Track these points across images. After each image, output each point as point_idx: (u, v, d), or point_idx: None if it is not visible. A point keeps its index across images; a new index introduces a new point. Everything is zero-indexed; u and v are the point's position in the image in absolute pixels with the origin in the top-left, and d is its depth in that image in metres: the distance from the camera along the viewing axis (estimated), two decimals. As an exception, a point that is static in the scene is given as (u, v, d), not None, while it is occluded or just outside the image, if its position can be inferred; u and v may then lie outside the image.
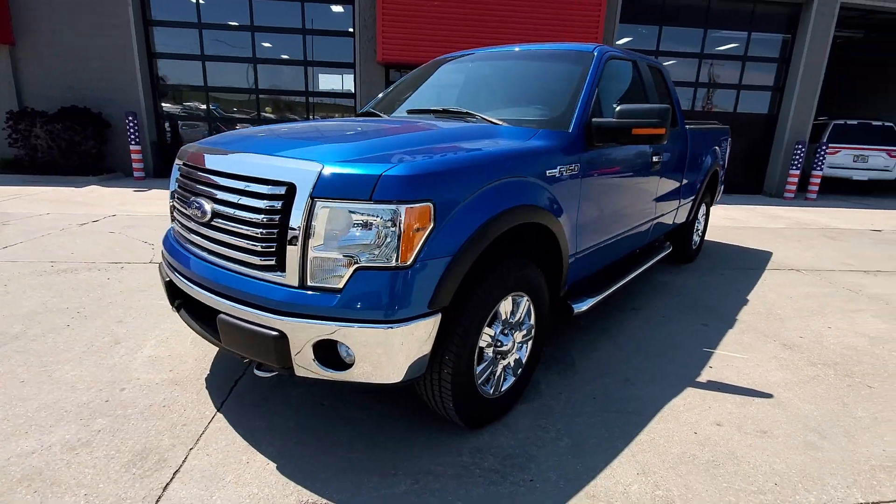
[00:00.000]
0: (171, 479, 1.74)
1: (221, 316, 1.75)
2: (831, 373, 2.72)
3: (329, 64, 9.59)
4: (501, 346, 2.04)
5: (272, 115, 9.85)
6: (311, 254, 1.59)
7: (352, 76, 9.48)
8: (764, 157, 10.61)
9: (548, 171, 2.13)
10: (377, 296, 1.58)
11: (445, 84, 3.14)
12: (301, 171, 1.61)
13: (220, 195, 1.82)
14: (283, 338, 1.62)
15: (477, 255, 1.75)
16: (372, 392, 2.33)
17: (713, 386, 2.54)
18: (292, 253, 1.61)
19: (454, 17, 8.60)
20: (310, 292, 1.62)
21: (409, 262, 1.59)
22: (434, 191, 1.62)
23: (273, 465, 1.84)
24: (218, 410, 2.17)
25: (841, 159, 10.75)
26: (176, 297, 2.13)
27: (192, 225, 1.97)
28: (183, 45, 9.23)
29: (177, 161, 2.26)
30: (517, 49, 3.06)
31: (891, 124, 10.80)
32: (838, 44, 10.47)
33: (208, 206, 1.84)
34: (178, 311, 2.14)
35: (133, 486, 1.70)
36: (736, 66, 10.18)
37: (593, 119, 2.41)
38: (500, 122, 2.38)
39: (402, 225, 1.55)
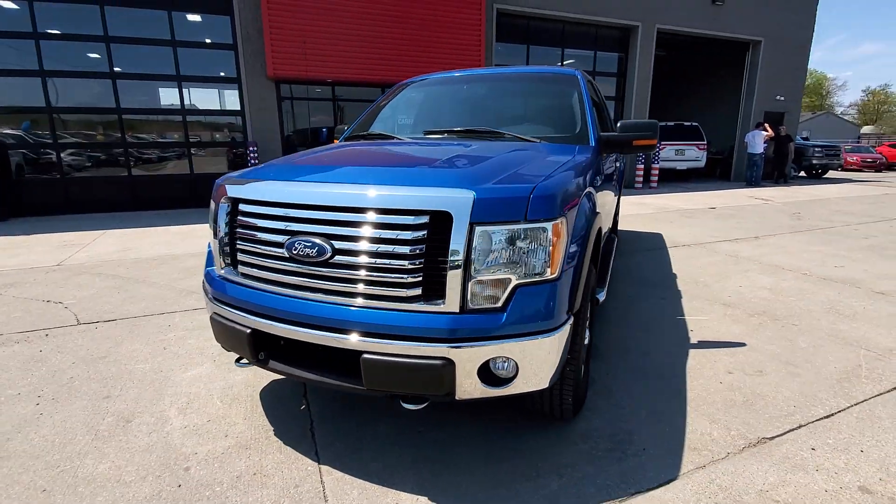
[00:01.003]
0: (335, 542, 1.60)
1: (366, 356, 1.67)
2: (767, 320, 3.54)
3: (206, 79, 8.69)
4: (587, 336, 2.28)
5: (142, 137, 8.55)
6: (474, 277, 1.64)
7: (235, 92, 8.74)
8: (616, 155, 12.63)
9: (595, 180, 2.44)
10: (538, 308, 1.70)
11: (441, 105, 3.27)
12: (456, 199, 1.64)
13: (345, 231, 1.72)
14: (450, 364, 1.63)
15: (590, 259, 1.96)
16: (443, 409, 2.36)
17: (704, 345, 3.12)
18: (453, 279, 1.64)
19: (352, 34, 8.54)
20: (473, 315, 1.66)
21: (556, 274, 1.74)
22: (564, 206, 1.79)
23: (425, 499, 1.81)
24: (318, 463, 2.00)
25: (667, 153, 13.32)
26: (260, 348, 1.92)
27: (294, 267, 1.81)
28: (13, 60, 7.50)
29: (225, 200, 2.03)
30: (508, 72, 3.34)
31: (696, 124, 13.73)
32: (660, 58, 12.94)
33: (326, 244, 1.73)
34: (263, 365, 1.93)
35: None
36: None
37: (602, 133, 2.80)
38: (538, 140, 2.62)
39: (550, 240, 1.70)
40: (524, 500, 1.79)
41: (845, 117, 58.62)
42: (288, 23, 8.03)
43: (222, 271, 2.09)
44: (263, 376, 2.69)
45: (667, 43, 12.71)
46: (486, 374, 1.71)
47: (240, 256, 1.99)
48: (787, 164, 14.12)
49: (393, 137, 2.92)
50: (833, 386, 2.60)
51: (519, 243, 1.67)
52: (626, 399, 2.48)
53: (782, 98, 14.35)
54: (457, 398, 1.70)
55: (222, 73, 8.67)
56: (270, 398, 2.49)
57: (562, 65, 11.47)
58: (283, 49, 8.08)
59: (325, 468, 1.97)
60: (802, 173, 16.34)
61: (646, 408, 2.40)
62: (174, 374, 2.73)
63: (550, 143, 2.58)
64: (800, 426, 2.24)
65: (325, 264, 1.75)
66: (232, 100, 8.79)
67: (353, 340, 1.70)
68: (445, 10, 9.18)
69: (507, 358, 1.69)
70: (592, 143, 2.69)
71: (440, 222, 1.66)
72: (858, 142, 36.43)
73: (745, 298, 3.98)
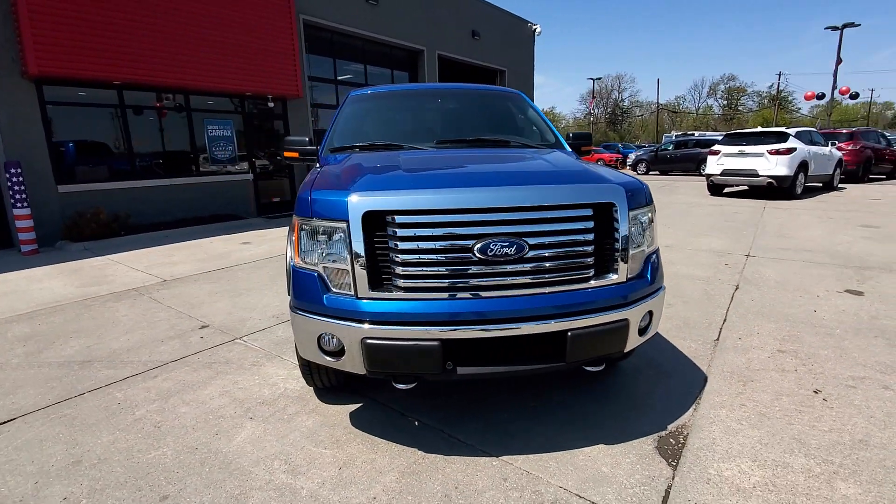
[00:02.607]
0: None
1: (572, 332, 1.93)
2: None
3: None
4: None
5: None
6: (631, 252, 2.10)
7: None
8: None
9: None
10: (658, 270, 2.27)
11: (425, 116, 3.42)
12: (617, 191, 2.05)
13: (536, 227, 1.92)
14: (626, 324, 2.05)
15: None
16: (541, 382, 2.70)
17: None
18: (622, 255, 2.05)
19: (145, 28, 7.07)
20: (633, 282, 2.12)
21: (657, 245, 2.35)
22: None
23: (546, 454, 2.15)
24: (491, 456, 2.09)
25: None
26: (448, 357, 1.91)
27: (485, 269, 1.88)
28: None
29: (358, 218, 1.90)
30: (468, 88, 3.70)
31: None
32: (444, 80, 14.72)
33: (523, 242, 1.89)
34: (449, 375, 1.92)
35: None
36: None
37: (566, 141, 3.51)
38: (539, 146, 3.13)
39: (653, 219, 2.30)
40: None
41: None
42: (53, 9, 6.10)
43: (371, 293, 1.92)
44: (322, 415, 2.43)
45: (449, 67, 14.66)
46: (639, 328, 2.18)
47: (401, 270, 1.90)
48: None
49: (402, 147, 2.95)
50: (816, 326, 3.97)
51: (647, 223, 2.20)
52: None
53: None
54: (625, 351, 2.12)
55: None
56: (377, 429, 2.32)
57: (395, 79, 11.95)
58: (51, 39, 6.10)
59: (503, 459, 2.08)
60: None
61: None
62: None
63: (551, 149, 3.14)
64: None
65: (521, 260, 1.91)
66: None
67: (555, 323, 1.92)
68: (256, 15, 8.50)
69: (651, 311, 2.20)
70: (569, 149, 3.38)
71: (602, 211, 2.04)
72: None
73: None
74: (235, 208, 9.22)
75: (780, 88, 57.85)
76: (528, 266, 1.92)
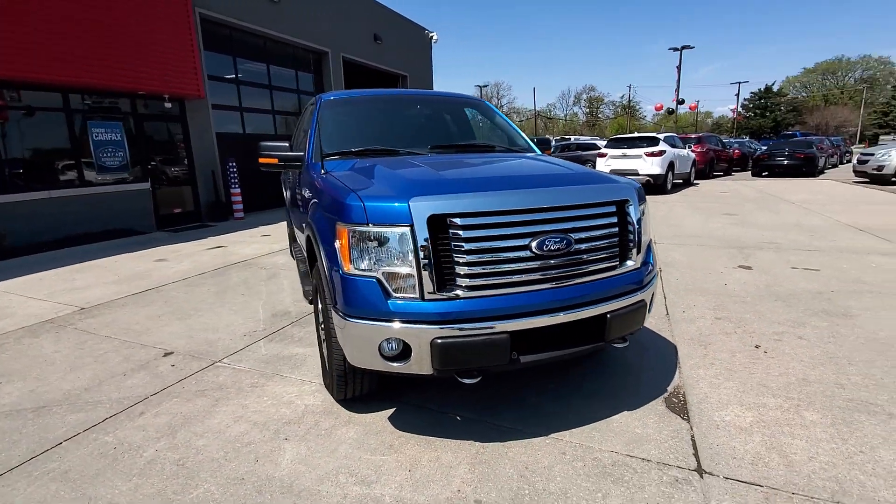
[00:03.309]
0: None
1: (611, 314, 2.20)
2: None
3: None
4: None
5: None
6: (642, 241, 2.44)
7: None
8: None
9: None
10: (654, 257, 2.65)
11: (408, 122, 3.46)
12: (630, 189, 2.37)
13: (578, 224, 2.15)
14: (645, 304, 2.39)
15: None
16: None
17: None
18: (636, 244, 2.38)
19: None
20: (644, 266, 2.46)
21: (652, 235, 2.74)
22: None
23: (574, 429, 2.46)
24: (546, 435, 2.27)
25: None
26: (513, 348, 2.05)
27: (540, 263, 2.06)
28: None
29: (423, 221, 1.97)
30: (442, 95, 3.82)
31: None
32: (351, 83, 14.34)
33: (569, 237, 2.11)
34: (513, 365, 2.06)
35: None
36: (294, 98, 12.22)
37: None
38: (518, 150, 3.39)
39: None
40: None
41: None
42: None
43: (435, 294, 1.98)
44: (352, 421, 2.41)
45: (353, 70, 14.35)
46: (648, 307, 2.53)
47: (465, 269, 1.99)
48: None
49: (399, 152, 2.99)
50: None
51: (646, 216, 2.56)
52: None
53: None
54: (642, 327, 2.45)
55: None
56: (425, 429, 2.36)
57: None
58: None
59: (553, 437, 2.28)
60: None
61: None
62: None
63: (527, 152, 3.41)
64: (669, 305, 4.03)
65: (569, 253, 2.13)
66: None
67: (598, 307, 2.18)
68: (148, 3, 7.55)
69: (654, 294, 2.57)
70: (540, 153, 3.69)
71: (620, 207, 2.35)
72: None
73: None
74: (132, 222, 8.11)
75: (630, 99, 66.58)
76: (574, 258, 2.15)
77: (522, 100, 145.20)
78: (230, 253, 6.54)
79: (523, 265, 2.06)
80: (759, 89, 62.26)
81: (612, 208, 2.30)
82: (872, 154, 13.62)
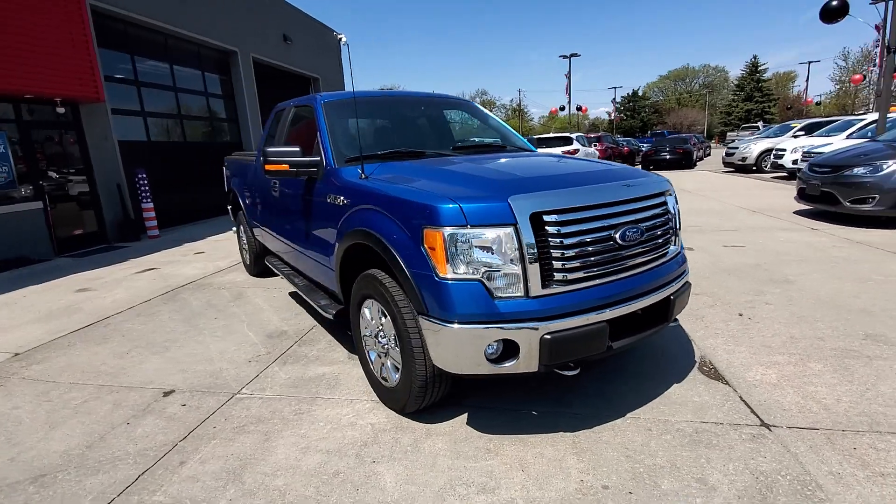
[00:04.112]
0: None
1: (673, 297, 2.39)
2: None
3: None
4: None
5: None
6: (679, 227, 2.67)
7: None
8: (243, 178, 12.45)
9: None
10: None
11: (415, 124, 3.37)
12: (667, 182, 2.59)
13: (645, 214, 2.30)
14: (689, 284, 2.63)
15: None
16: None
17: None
18: (676, 231, 2.61)
19: None
20: (682, 251, 2.70)
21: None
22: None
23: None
24: (623, 416, 2.40)
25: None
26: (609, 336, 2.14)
27: (606, 256, 2.16)
28: None
29: (528, 217, 1.99)
30: (435, 97, 3.77)
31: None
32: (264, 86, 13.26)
33: (642, 227, 2.26)
34: (608, 351, 2.15)
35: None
36: (202, 101, 11.10)
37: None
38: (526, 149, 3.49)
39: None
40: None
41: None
42: None
43: (542, 290, 1.99)
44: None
45: (264, 72, 13.35)
46: (685, 288, 2.77)
47: (563, 264, 2.03)
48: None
49: (425, 154, 2.95)
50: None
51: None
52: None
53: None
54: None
55: None
56: (511, 428, 2.35)
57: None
58: None
59: (629, 416, 2.41)
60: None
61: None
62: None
63: (528, 151, 3.52)
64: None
65: (642, 242, 2.27)
66: None
67: (663, 292, 2.35)
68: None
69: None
70: (537, 151, 3.83)
71: (665, 197, 2.56)
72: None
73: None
74: (24, 249, 6.75)
75: (520, 102, 70.89)
76: (645, 246, 2.30)
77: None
78: (168, 276, 5.78)
79: (611, 255, 2.16)
80: (628, 94, 70.16)
81: (662, 199, 2.49)
82: (737, 148, 16.11)
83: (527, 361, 2.02)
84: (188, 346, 3.58)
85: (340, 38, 17.73)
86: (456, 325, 1.97)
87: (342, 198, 2.67)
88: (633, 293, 2.22)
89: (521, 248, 1.97)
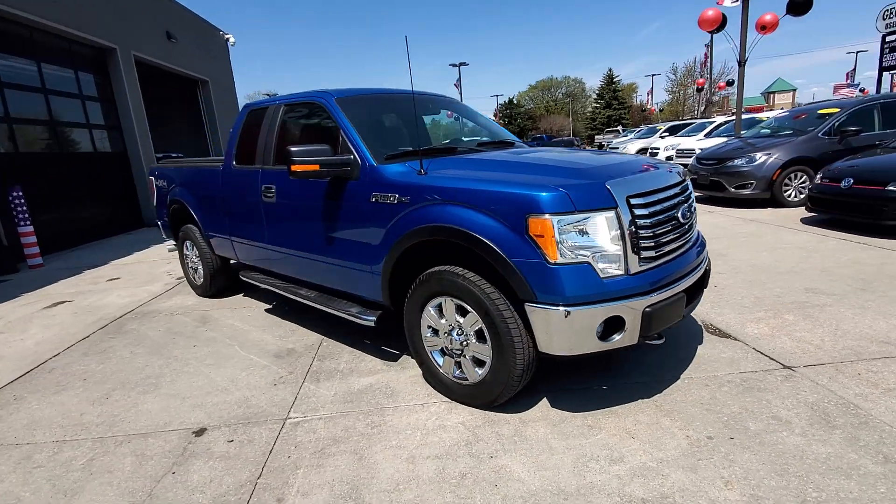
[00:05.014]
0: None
1: (707, 268, 2.73)
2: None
3: None
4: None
5: None
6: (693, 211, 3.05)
7: None
8: (132, 191, 10.85)
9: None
10: (681, 221, 3.31)
11: (432, 121, 3.33)
12: (682, 168, 2.94)
13: (685, 196, 2.59)
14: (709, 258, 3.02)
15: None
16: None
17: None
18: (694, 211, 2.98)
19: None
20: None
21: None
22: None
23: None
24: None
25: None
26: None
27: (675, 234, 2.42)
28: None
29: (625, 199, 2.16)
30: (431, 96, 3.75)
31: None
32: (152, 89, 11.47)
33: (686, 207, 2.55)
34: (683, 317, 2.39)
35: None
36: (77, 105, 9.43)
37: (514, 141, 4.15)
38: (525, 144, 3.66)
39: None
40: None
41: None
42: None
43: (639, 267, 2.16)
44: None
45: (147, 72, 11.61)
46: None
47: (646, 243, 2.21)
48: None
49: (457, 150, 2.99)
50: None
51: (679, 189, 3.19)
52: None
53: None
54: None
55: None
56: (593, 404, 2.48)
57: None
58: None
59: (684, 375, 2.69)
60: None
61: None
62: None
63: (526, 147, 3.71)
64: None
65: (690, 220, 2.56)
66: None
67: (705, 263, 2.68)
68: None
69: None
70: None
71: (687, 182, 2.90)
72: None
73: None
74: None
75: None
76: (691, 223, 2.59)
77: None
78: (91, 307, 4.86)
79: (678, 232, 2.41)
80: (505, 102, 75.12)
81: (687, 182, 2.83)
82: (616, 148, 18.26)
83: (630, 335, 2.16)
84: (182, 380, 3.09)
85: (228, 38, 16.35)
86: (570, 308, 2.05)
87: (396, 196, 2.56)
88: (693, 265, 2.50)
89: (621, 229, 2.11)
